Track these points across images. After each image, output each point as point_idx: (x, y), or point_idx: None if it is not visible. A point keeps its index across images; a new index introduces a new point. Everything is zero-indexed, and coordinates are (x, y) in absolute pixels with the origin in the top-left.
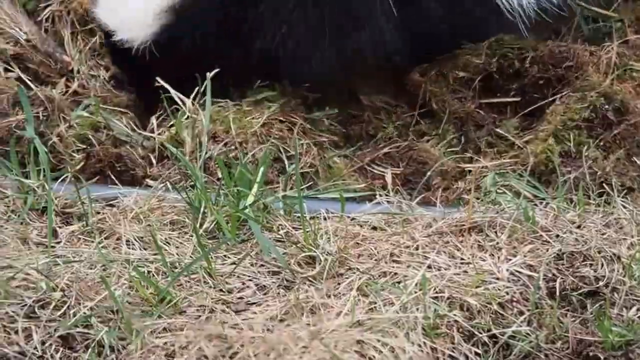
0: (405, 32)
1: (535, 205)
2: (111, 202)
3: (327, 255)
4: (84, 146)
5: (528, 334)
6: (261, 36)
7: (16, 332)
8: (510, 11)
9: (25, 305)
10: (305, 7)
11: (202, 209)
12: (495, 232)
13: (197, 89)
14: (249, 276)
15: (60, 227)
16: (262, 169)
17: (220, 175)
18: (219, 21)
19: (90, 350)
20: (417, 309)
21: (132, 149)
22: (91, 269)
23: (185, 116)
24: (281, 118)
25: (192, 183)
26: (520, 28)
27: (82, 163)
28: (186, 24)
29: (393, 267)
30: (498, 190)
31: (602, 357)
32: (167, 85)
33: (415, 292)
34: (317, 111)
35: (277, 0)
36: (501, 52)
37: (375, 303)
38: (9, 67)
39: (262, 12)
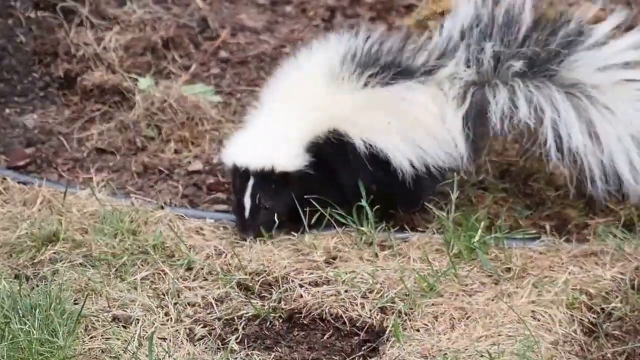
0: None
1: None
2: (406, 240)
3: (516, 266)
4: None
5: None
6: None
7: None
8: None
9: None
10: None
11: (451, 244)
12: None
13: None
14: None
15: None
16: (481, 225)
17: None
18: None
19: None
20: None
21: None
22: (394, 273)
23: None
24: None
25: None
26: None
27: None
28: None
29: (550, 273)
30: None
31: None
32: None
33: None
34: None
35: None
36: None
37: (541, 291)
38: None
39: None
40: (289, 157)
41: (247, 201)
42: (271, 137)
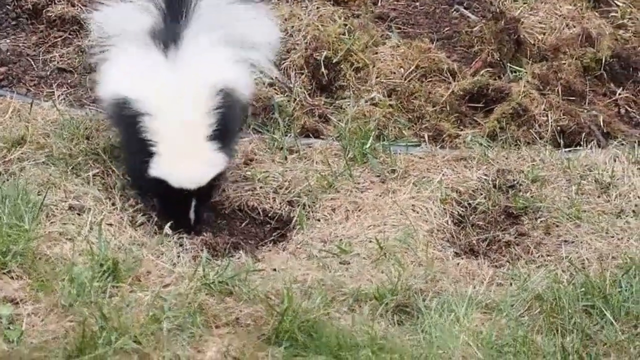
0: None
1: None
2: (310, 146)
3: (399, 168)
4: None
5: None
6: None
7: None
8: None
9: None
10: None
11: (347, 149)
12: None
13: None
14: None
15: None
16: (372, 134)
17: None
18: None
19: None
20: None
21: None
22: (300, 173)
23: None
24: None
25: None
26: None
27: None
28: None
29: (428, 174)
30: None
31: None
32: None
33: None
34: None
35: None
36: None
37: (419, 189)
38: None
39: None
40: (218, 157)
41: (192, 215)
42: (192, 149)
